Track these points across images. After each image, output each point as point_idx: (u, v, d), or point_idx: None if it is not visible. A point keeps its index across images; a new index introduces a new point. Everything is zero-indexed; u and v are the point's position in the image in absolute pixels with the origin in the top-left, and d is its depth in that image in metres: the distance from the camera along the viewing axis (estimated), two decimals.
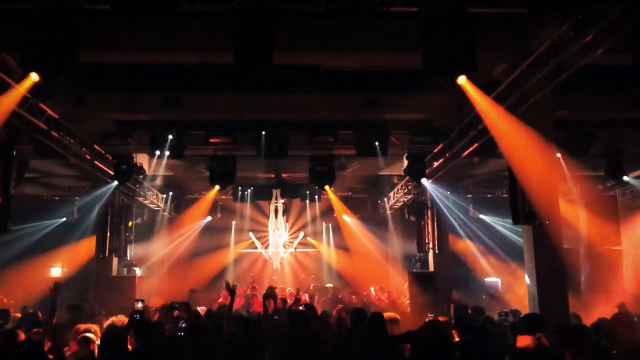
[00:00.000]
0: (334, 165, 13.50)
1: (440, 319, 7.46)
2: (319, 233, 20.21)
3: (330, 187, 14.37)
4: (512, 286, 15.43)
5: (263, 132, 12.03)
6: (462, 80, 7.70)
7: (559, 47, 6.94)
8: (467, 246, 17.23)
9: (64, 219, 17.01)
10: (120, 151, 12.61)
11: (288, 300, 12.09)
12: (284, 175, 16.52)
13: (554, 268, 8.85)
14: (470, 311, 9.84)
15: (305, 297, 13.67)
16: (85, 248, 15.59)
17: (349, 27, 8.57)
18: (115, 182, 12.97)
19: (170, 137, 11.95)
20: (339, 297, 14.77)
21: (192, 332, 5.75)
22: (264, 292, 13.75)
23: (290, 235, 19.51)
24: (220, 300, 13.92)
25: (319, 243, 20.31)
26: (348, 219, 18.95)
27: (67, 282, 15.48)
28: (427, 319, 7.03)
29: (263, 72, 7.47)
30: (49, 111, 9.60)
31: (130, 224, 15.23)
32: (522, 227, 9.44)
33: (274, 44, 6.92)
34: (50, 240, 16.62)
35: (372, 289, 14.62)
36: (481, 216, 17.68)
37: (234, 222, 19.90)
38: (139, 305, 8.57)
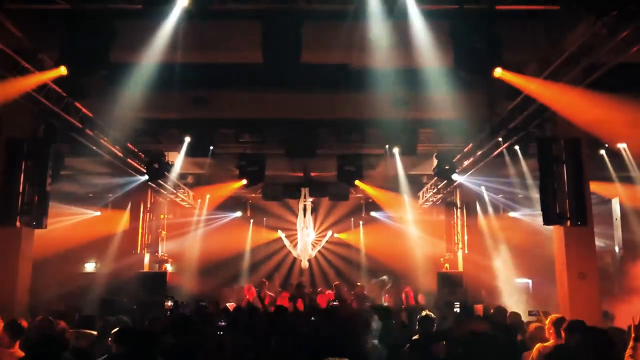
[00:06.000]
0: (362, 164, 13.49)
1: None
2: (348, 231, 20.21)
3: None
4: (544, 287, 15.12)
5: (291, 131, 12.10)
6: (498, 72, 7.44)
7: (592, 45, 6.81)
8: (498, 246, 16.94)
9: (99, 212, 17.35)
10: (152, 149, 12.85)
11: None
12: (312, 173, 16.55)
13: (586, 270, 8.69)
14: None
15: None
16: (117, 243, 15.85)
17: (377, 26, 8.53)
18: (145, 176, 13.19)
19: (200, 135, 12.13)
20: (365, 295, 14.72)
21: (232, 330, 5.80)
22: (292, 291, 13.81)
23: (319, 233, 19.55)
24: (248, 297, 14.05)
25: (348, 241, 20.29)
26: (378, 215, 18.93)
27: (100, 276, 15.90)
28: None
29: (291, 71, 7.52)
30: (84, 110, 9.86)
31: (162, 216, 15.50)
32: (554, 228, 9.28)
33: (302, 42, 6.94)
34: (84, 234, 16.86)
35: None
36: (511, 214, 17.38)
37: (263, 220, 20.08)
38: (169, 303, 8.75)
